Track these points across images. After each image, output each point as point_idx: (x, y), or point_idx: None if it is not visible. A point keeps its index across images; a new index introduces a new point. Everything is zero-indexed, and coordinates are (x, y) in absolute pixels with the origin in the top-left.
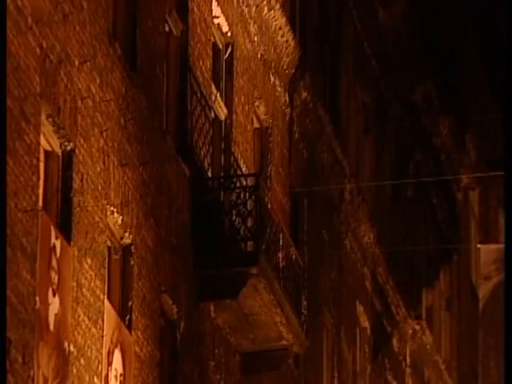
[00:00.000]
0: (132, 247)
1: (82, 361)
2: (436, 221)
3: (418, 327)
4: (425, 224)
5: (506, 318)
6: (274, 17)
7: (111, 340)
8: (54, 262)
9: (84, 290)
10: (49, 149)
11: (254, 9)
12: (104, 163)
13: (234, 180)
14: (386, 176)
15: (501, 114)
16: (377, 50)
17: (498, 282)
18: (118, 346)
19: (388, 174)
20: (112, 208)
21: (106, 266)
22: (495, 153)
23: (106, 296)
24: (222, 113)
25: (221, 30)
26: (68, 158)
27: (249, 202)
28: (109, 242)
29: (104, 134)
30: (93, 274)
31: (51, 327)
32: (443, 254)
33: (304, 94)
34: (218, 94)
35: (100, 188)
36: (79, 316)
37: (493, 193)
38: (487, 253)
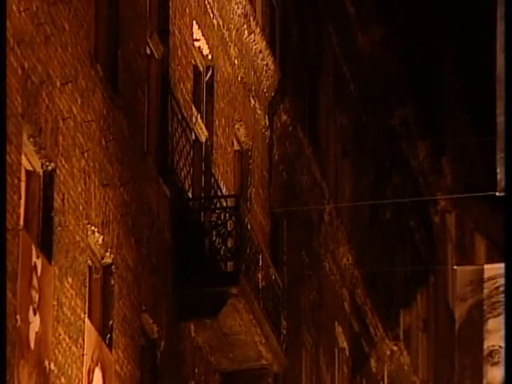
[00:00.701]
0: (113, 267)
1: (63, 379)
2: (414, 243)
3: (395, 348)
4: (402, 246)
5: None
6: (254, 40)
7: (92, 359)
8: (35, 281)
9: (65, 308)
10: (30, 168)
11: (234, 32)
12: (85, 183)
13: (215, 201)
14: (364, 198)
15: (477, 138)
16: (355, 74)
17: (474, 303)
18: (99, 365)
19: (366, 196)
20: (93, 228)
21: (87, 285)
22: (471, 176)
23: (86, 315)
24: (203, 135)
25: (201, 52)
26: (49, 177)
27: (229, 223)
28: (90, 262)
29: (85, 154)
30: (73, 293)
31: (32, 345)
32: (420, 275)
33: (284, 117)
34: (199, 116)
35: (81, 208)
36: (60, 335)
37: (469, 216)
38: (463, 274)
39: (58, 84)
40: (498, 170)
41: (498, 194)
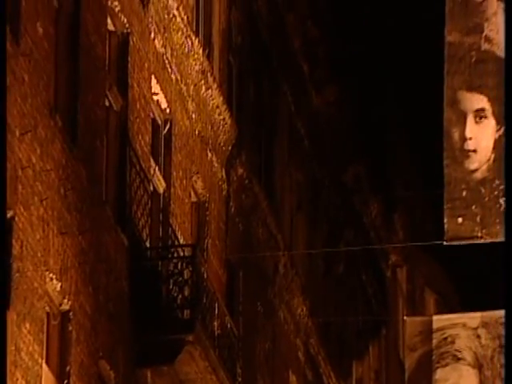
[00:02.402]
0: (70, 313)
1: None
2: (366, 296)
3: None
4: (355, 299)
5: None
6: (211, 96)
7: None
8: None
9: (22, 353)
10: None
11: (192, 87)
12: (44, 231)
13: (172, 250)
14: (318, 252)
15: (426, 190)
16: (310, 131)
17: (423, 353)
18: None
19: (320, 249)
20: (51, 274)
21: (45, 331)
22: (422, 231)
23: (44, 360)
24: (161, 186)
25: (160, 106)
26: (8, 225)
27: (185, 272)
28: (47, 308)
29: (44, 202)
30: (31, 339)
31: None
32: (372, 327)
33: (240, 171)
34: (157, 168)
35: (39, 255)
36: (17, 379)
37: (419, 271)
38: (413, 325)
39: (17, 133)
40: (446, 221)
41: (445, 243)
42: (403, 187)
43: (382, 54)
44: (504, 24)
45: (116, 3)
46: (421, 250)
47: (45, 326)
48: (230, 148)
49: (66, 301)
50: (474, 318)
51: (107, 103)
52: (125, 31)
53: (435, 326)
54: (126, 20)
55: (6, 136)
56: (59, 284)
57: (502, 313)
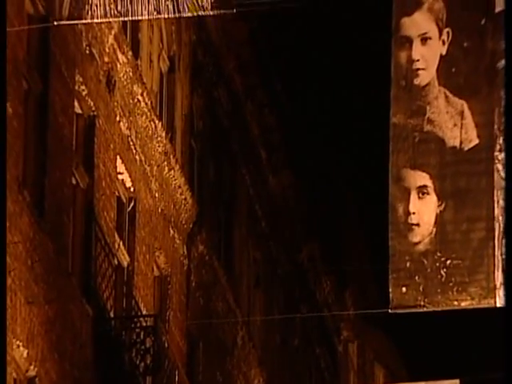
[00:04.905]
0: (36, 379)
1: None
2: (319, 368)
3: None
4: (309, 371)
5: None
6: (173, 176)
7: None
8: None
9: None
10: None
11: (155, 168)
12: (11, 300)
13: (135, 320)
14: (274, 326)
15: (374, 265)
16: (267, 212)
17: None
18: None
19: (276, 323)
20: (18, 342)
21: None
22: (370, 302)
23: None
24: (125, 260)
25: (124, 185)
26: None
27: (148, 341)
28: (14, 374)
29: (12, 273)
30: None
31: None
32: None
33: (201, 248)
34: (121, 243)
35: (7, 323)
36: None
37: (369, 345)
38: None
39: None
40: (391, 290)
41: (390, 311)
42: (353, 262)
43: (332, 139)
44: (504, 26)
45: (83, 87)
46: (371, 325)
47: None
48: (191, 226)
49: (32, 367)
50: None
51: (74, 181)
52: (91, 114)
53: None
54: (92, 103)
55: None
56: (26, 351)
57: (450, 382)
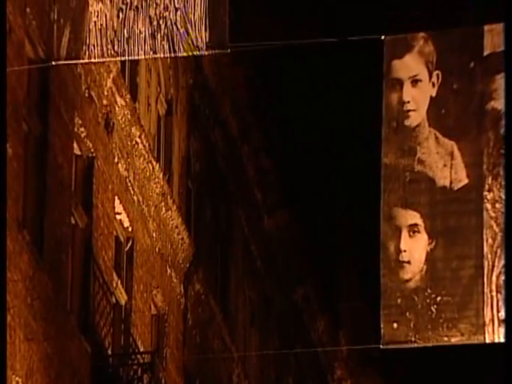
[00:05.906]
0: None
1: None
2: None
3: None
4: None
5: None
6: (171, 216)
7: None
8: None
9: None
10: None
11: (153, 208)
12: (11, 337)
13: (132, 357)
14: (270, 364)
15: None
16: (262, 252)
17: None
18: None
19: (272, 362)
20: (17, 378)
21: None
22: (363, 339)
23: None
24: (123, 298)
25: (122, 225)
26: None
27: (145, 377)
28: None
29: (11, 310)
30: None
31: None
32: None
33: (197, 286)
34: (119, 282)
35: (6, 359)
36: None
37: None
38: None
39: None
40: (382, 326)
41: (381, 346)
42: (346, 300)
43: (326, 180)
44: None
45: (82, 129)
46: (364, 364)
47: None
48: (188, 265)
49: None
50: None
51: (73, 221)
52: (90, 155)
53: None
54: (91, 145)
55: None
56: None
57: None
